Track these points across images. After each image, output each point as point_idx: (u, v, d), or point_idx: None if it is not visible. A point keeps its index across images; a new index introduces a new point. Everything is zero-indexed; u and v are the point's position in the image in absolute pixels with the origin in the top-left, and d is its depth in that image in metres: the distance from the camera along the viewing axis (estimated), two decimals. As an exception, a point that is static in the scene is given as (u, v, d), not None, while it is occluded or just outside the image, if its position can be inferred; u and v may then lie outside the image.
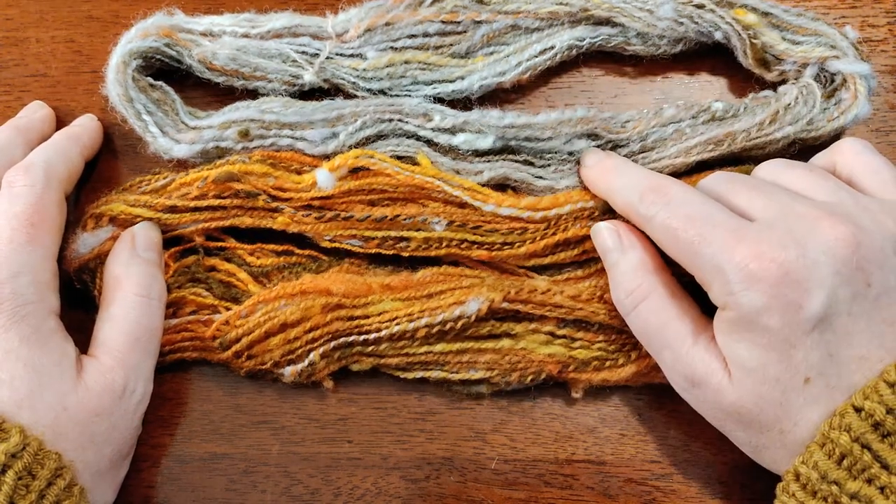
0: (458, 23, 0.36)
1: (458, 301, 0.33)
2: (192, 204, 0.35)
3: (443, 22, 0.36)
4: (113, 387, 0.32)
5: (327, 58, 0.36)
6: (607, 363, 0.33)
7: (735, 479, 0.34)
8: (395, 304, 0.33)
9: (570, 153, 0.35)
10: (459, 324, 0.33)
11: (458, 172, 0.35)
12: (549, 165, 0.35)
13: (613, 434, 0.35)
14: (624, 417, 0.35)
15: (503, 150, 0.36)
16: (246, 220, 0.35)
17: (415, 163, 0.35)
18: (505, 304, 0.33)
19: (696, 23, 0.35)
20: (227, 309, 0.35)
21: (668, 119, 0.35)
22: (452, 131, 0.35)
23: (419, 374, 0.34)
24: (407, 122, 0.35)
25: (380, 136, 0.36)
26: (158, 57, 0.37)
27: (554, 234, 0.34)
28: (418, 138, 0.35)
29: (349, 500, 0.35)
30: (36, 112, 0.38)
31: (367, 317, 0.33)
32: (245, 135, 0.35)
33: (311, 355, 0.34)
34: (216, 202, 0.35)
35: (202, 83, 0.38)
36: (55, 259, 0.33)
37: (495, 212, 0.34)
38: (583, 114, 0.35)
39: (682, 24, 0.35)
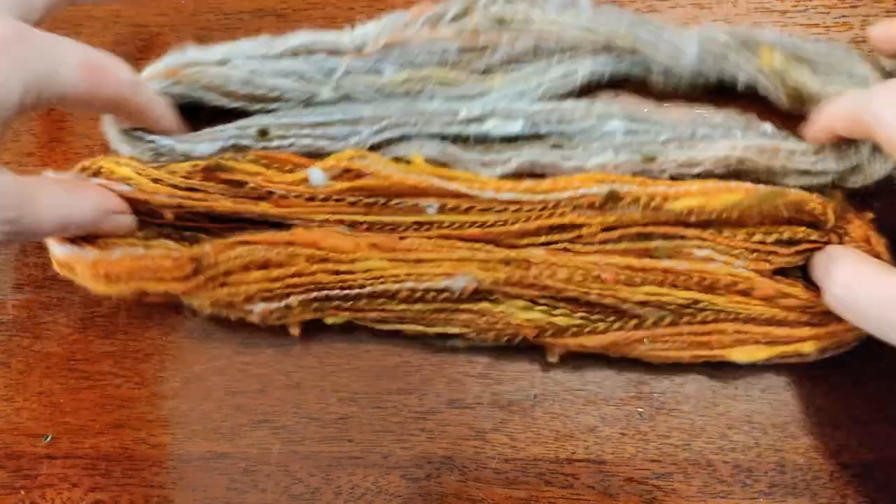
0: (479, 43, 0.36)
1: (446, 273, 0.33)
2: (176, 181, 0.34)
3: (462, 42, 0.36)
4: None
5: (345, 73, 0.36)
6: (586, 329, 0.33)
7: (736, 479, 0.34)
8: (382, 264, 0.33)
9: (604, 133, 0.35)
10: (443, 295, 0.33)
11: (486, 165, 0.34)
12: (578, 146, 0.35)
13: (614, 433, 0.35)
14: (624, 416, 0.35)
15: (532, 137, 0.35)
16: (226, 203, 0.34)
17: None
18: (492, 286, 0.33)
19: (721, 63, 0.34)
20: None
21: (718, 122, 0.35)
22: (481, 119, 0.35)
23: (395, 327, 0.34)
24: (432, 122, 0.35)
25: (403, 138, 0.35)
26: (171, 95, 0.36)
27: (549, 216, 0.33)
28: (443, 138, 0.35)
29: (350, 500, 0.35)
30: None
31: (353, 273, 0.33)
32: (264, 134, 0.35)
33: (290, 298, 0.33)
34: (200, 184, 0.34)
35: (215, 117, 0.37)
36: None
37: (494, 197, 0.33)
38: (617, 109, 0.35)
39: (705, 62, 0.34)
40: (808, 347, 0.32)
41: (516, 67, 0.36)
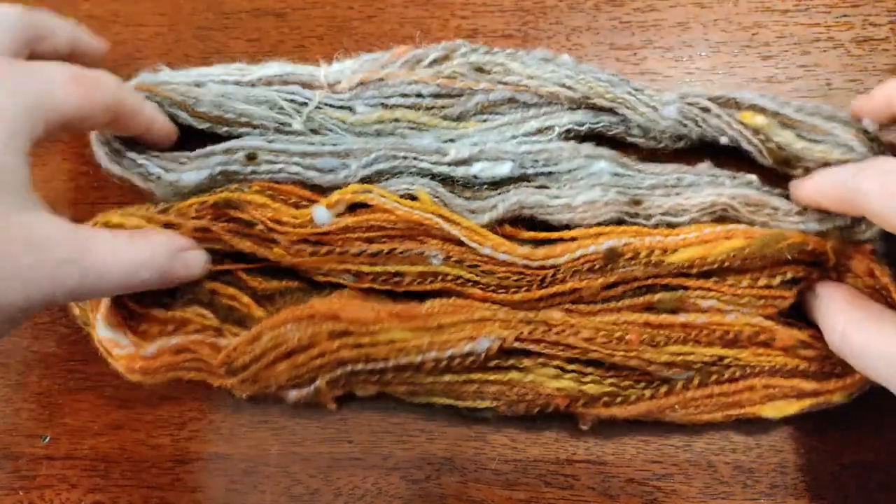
0: (454, 88, 0.36)
1: (469, 337, 0.32)
2: (190, 224, 0.34)
3: (438, 85, 0.35)
4: (55, 252, 0.28)
5: (316, 107, 0.35)
6: (618, 399, 0.33)
7: (737, 480, 0.34)
8: (404, 335, 0.32)
9: (591, 174, 0.34)
10: (468, 360, 0.32)
11: (473, 212, 0.34)
12: (565, 185, 0.34)
13: (614, 434, 0.35)
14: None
15: (519, 179, 0.35)
16: (245, 244, 0.34)
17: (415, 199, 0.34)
18: (516, 344, 0.32)
19: (701, 126, 0.34)
20: (231, 332, 0.34)
21: (703, 169, 0.35)
22: (469, 162, 0.34)
23: (425, 400, 0.34)
24: (421, 159, 0.34)
25: (393, 174, 0.35)
26: None
27: (550, 285, 0.33)
28: (433, 176, 0.34)
29: (350, 501, 0.35)
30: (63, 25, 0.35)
31: (375, 345, 0.32)
32: (253, 158, 0.34)
33: (318, 381, 0.33)
34: (213, 224, 0.34)
35: (184, 142, 0.36)
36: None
37: (492, 255, 0.33)
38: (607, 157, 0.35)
39: (685, 125, 0.34)
40: (838, 397, 0.32)
41: (490, 118, 0.36)
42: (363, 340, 0.32)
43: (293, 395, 0.34)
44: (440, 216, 0.33)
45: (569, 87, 0.35)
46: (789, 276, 0.33)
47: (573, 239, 0.33)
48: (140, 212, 0.35)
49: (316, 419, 0.36)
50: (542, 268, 0.33)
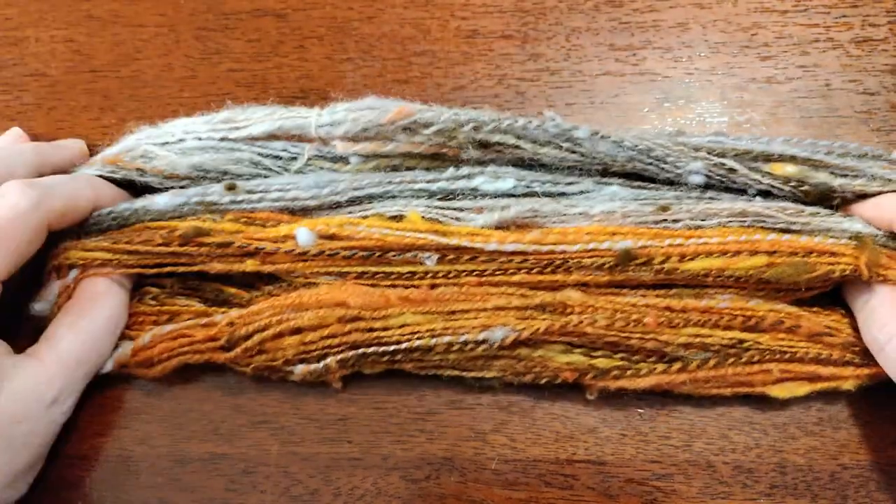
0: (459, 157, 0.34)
1: (484, 325, 0.32)
2: (156, 249, 0.34)
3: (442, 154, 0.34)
4: (44, 397, 0.31)
5: (307, 162, 0.35)
6: (628, 372, 0.33)
7: (736, 480, 0.34)
8: (416, 318, 0.32)
9: (604, 194, 0.34)
10: (481, 348, 0.32)
11: (479, 212, 0.33)
12: (578, 193, 0.34)
13: (614, 434, 0.35)
14: (625, 417, 0.35)
15: (527, 194, 0.34)
16: (215, 266, 0.34)
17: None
18: (531, 337, 0.32)
19: (729, 184, 0.33)
20: (222, 312, 0.34)
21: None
22: (470, 176, 0.34)
23: (432, 373, 0.34)
24: (417, 180, 0.34)
25: (385, 195, 0.34)
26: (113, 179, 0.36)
27: (554, 271, 0.32)
28: (431, 195, 0.34)
29: (349, 501, 0.35)
30: (69, 146, 0.37)
31: (387, 329, 0.32)
32: (232, 188, 0.34)
33: (328, 360, 0.33)
34: (181, 249, 0.33)
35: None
36: (0, 280, 0.31)
37: (499, 248, 0.32)
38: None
39: (713, 185, 0.33)
40: (848, 385, 0.33)
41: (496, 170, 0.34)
42: (375, 325, 0.32)
43: (300, 369, 0.33)
44: (434, 232, 0.32)
45: (586, 164, 0.34)
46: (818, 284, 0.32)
47: (588, 233, 0.32)
48: (103, 244, 0.34)
49: (316, 419, 0.36)
50: (552, 253, 0.32)
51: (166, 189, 0.35)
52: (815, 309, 0.33)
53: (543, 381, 0.33)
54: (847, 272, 0.31)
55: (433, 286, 0.33)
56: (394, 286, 0.34)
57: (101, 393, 0.37)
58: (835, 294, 0.34)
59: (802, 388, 0.33)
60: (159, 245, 0.33)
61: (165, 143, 0.35)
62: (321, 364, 0.33)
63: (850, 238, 0.32)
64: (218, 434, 0.36)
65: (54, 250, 0.35)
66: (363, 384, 0.36)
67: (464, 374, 0.34)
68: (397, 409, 0.36)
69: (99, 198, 0.35)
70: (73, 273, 0.34)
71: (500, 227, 0.33)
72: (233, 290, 0.35)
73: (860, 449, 0.34)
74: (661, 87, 0.38)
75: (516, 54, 0.39)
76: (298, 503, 0.35)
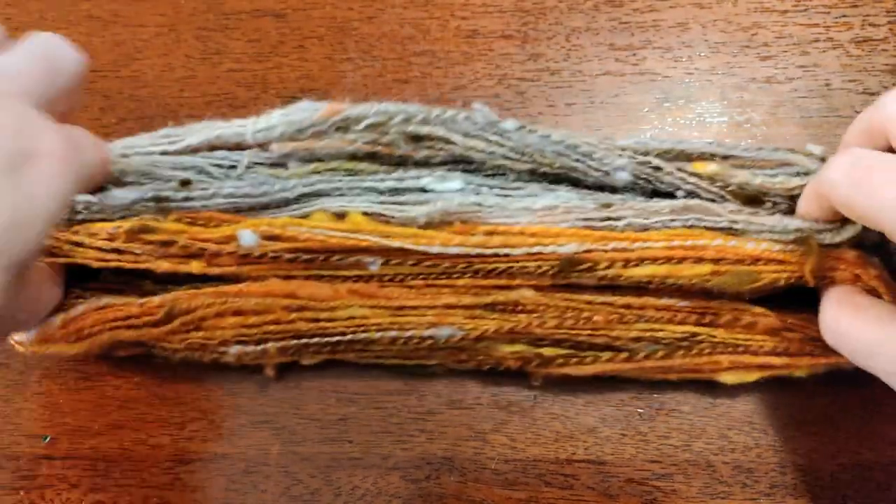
0: (393, 156, 0.34)
1: (432, 323, 0.32)
2: (100, 244, 0.33)
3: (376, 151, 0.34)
4: None
5: (246, 167, 0.35)
6: (573, 360, 0.33)
7: (736, 480, 0.34)
8: (364, 311, 0.32)
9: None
10: (426, 343, 0.32)
11: (422, 203, 0.33)
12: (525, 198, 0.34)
13: (614, 434, 0.35)
14: (624, 417, 0.35)
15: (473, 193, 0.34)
16: (162, 265, 0.33)
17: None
18: (479, 338, 0.32)
19: (655, 184, 0.33)
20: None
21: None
22: (418, 176, 0.34)
23: (373, 362, 0.34)
24: (366, 178, 0.34)
25: (335, 191, 0.34)
26: None
27: (499, 276, 0.32)
28: (380, 192, 0.34)
29: (349, 500, 0.35)
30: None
31: (333, 320, 0.32)
32: (186, 183, 0.34)
33: (268, 345, 0.32)
34: (126, 245, 0.33)
35: None
36: None
37: (442, 251, 0.32)
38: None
39: (639, 184, 0.33)
40: (801, 371, 0.32)
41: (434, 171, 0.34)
42: (321, 316, 0.32)
43: (236, 350, 0.33)
44: (377, 234, 0.32)
45: (515, 160, 0.33)
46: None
47: (533, 235, 0.32)
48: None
49: (316, 419, 0.36)
50: (496, 257, 0.32)
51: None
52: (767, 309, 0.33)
53: (486, 368, 0.33)
54: (793, 280, 0.31)
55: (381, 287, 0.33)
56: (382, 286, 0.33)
57: (101, 393, 0.37)
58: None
59: (752, 375, 0.32)
60: (103, 240, 0.33)
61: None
62: (259, 347, 0.32)
63: (793, 236, 0.31)
64: (218, 434, 0.36)
65: None
66: (362, 384, 0.36)
67: (405, 362, 0.34)
68: (397, 409, 0.36)
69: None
70: None
71: (444, 220, 0.33)
72: (173, 286, 0.34)
73: (860, 449, 0.34)
74: (661, 87, 0.38)
75: (516, 54, 0.39)
76: (299, 503, 0.35)
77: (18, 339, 0.35)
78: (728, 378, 0.33)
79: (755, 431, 0.34)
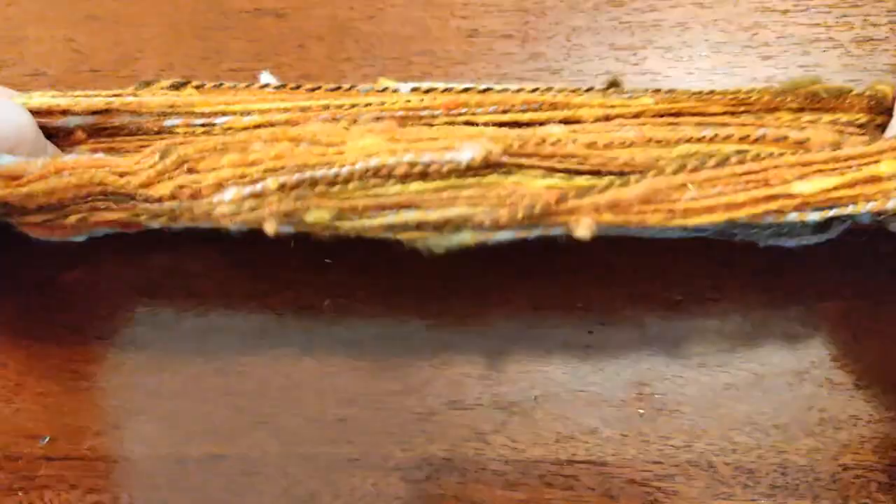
0: None
1: (450, 146, 0.27)
2: (85, 103, 0.31)
3: None
4: None
5: None
6: (617, 182, 0.27)
7: (737, 481, 0.34)
8: (376, 141, 0.28)
9: None
10: (446, 168, 0.27)
11: None
12: None
13: (615, 435, 0.34)
14: (625, 418, 0.35)
15: None
16: (159, 100, 0.31)
17: None
18: (505, 158, 0.28)
19: None
20: None
21: None
22: None
23: (388, 219, 0.28)
24: None
25: None
26: None
27: (542, 94, 0.30)
28: None
29: (349, 501, 0.35)
30: None
31: (342, 153, 0.28)
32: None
33: (268, 181, 0.27)
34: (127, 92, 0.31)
35: None
36: None
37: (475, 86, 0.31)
38: None
39: None
40: (886, 167, 0.27)
41: None
42: (331, 149, 0.28)
43: (231, 193, 0.27)
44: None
45: None
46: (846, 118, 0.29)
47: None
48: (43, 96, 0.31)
49: (316, 419, 0.36)
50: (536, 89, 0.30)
51: None
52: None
53: (521, 214, 0.27)
54: (876, 94, 0.29)
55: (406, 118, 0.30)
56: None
57: (100, 393, 0.37)
58: None
59: (830, 180, 0.27)
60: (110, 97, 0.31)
61: None
62: (259, 186, 0.27)
63: None
64: (217, 434, 0.36)
65: None
66: (362, 384, 0.36)
67: (425, 216, 0.27)
68: (397, 409, 0.35)
69: (22, 140, 0.30)
70: None
71: None
72: None
73: (861, 449, 0.34)
74: (662, 87, 0.38)
75: (517, 53, 0.39)
76: (298, 504, 0.35)
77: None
78: (804, 187, 0.27)
79: (756, 432, 0.34)
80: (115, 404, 0.37)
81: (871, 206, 0.27)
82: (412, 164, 0.27)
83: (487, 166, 0.27)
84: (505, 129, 0.29)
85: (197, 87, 0.33)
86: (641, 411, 0.35)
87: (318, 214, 0.28)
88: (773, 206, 0.27)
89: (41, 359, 0.38)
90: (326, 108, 0.32)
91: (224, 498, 0.35)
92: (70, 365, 0.37)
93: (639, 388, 0.35)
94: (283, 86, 0.34)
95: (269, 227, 0.28)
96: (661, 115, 0.30)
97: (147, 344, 0.37)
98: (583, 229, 0.27)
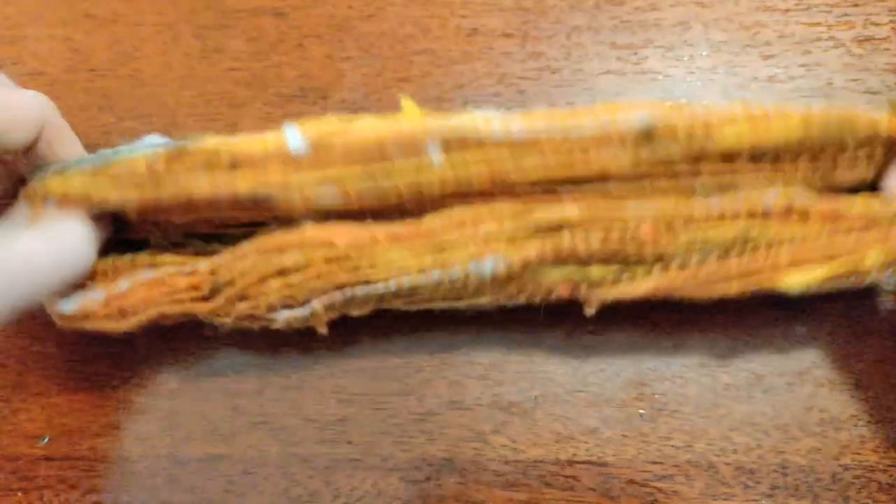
0: None
1: (474, 256, 0.30)
2: (139, 178, 0.30)
3: None
4: None
5: None
6: (625, 276, 0.31)
7: (738, 481, 0.34)
8: (403, 254, 0.30)
9: None
10: (471, 279, 0.30)
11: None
12: None
13: (615, 435, 0.34)
14: (626, 418, 0.35)
15: None
16: (203, 185, 0.30)
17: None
18: (522, 267, 0.30)
19: None
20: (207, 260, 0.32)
21: None
22: None
23: (423, 307, 0.32)
24: None
25: None
26: None
27: (569, 153, 0.30)
28: None
29: (349, 502, 0.35)
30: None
31: (374, 266, 0.31)
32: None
33: (314, 303, 0.31)
34: (167, 173, 0.30)
35: None
36: None
37: (506, 132, 0.29)
38: None
39: None
40: (872, 258, 0.29)
41: None
42: (362, 263, 0.31)
43: (284, 315, 0.32)
44: (433, 120, 0.30)
45: None
46: (861, 154, 0.30)
47: (603, 109, 0.30)
48: (80, 173, 0.31)
49: (315, 420, 0.36)
50: (566, 139, 0.30)
51: None
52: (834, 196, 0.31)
53: (537, 299, 0.31)
54: (887, 137, 0.29)
55: (440, 195, 0.31)
56: (398, 206, 0.31)
57: (100, 393, 0.37)
58: None
59: (818, 272, 0.30)
60: (143, 172, 0.30)
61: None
62: (306, 308, 0.31)
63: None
64: (217, 434, 0.36)
65: (30, 182, 0.31)
66: (361, 383, 0.36)
67: (456, 304, 0.32)
68: (397, 409, 0.35)
69: (47, 119, 0.31)
70: (51, 205, 0.31)
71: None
72: (219, 245, 0.33)
73: (862, 449, 0.34)
74: (663, 86, 0.38)
75: (517, 53, 0.39)
76: (298, 504, 0.35)
77: (60, 310, 0.32)
78: (793, 280, 0.30)
79: (757, 432, 0.34)
80: (116, 404, 0.37)
81: None
82: (441, 280, 0.31)
83: (508, 271, 0.30)
84: (521, 217, 0.31)
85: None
86: (641, 411, 0.35)
87: (360, 312, 0.33)
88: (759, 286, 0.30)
89: (41, 359, 0.38)
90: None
91: (224, 498, 0.35)
92: (70, 365, 0.37)
93: (639, 388, 0.35)
94: None
95: (322, 330, 0.33)
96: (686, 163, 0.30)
97: (147, 343, 0.37)
98: (590, 309, 0.32)
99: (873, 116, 0.29)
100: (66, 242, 0.31)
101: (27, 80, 0.39)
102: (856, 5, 0.37)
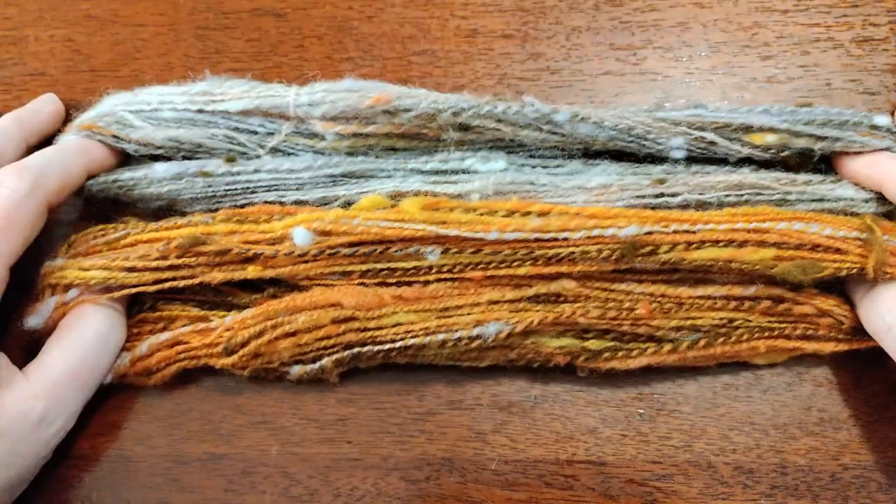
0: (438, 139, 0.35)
1: (478, 321, 0.32)
2: (154, 264, 0.33)
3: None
4: (29, 415, 0.31)
5: (285, 136, 0.35)
6: (619, 353, 0.33)
7: (737, 481, 0.34)
8: (410, 317, 0.33)
9: (595, 173, 0.35)
10: (475, 343, 0.32)
11: (474, 179, 0.34)
12: (568, 175, 0.35)
13: (615, 435, 0.35)
14: (625, 418, 0.35)
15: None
16: (216, 276, 0.33)
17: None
18: (524, 331, 0.33)
19: (710, 153, 0.34)
20: (220, 316, 0.35)
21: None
22: (462, 159, 0.34)
23: (427, 362, 0.34)
24: (409, 161, 0.35)
25: (380, 172, 0.34)
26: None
27: (559, 262, 0.32)
28: (423, 173, 0.34)
29: (349, 501, 0.35)
30: (45, 107, 0.37)
31: (381, 328, 0.33)
32: (231, 160, 0.34)
33: (324, 360, 0.33)
34: (180, 261, 0.33)
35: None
36: (8, 266, 0.32)
37: (500, 238, 0.32)
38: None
39: (694, 157, 0.34)
40: (826, 351, 0.34)
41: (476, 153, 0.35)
42: (369, 325, 0.33)
43: (296, 370, 0.34)
44: (434, 223, 0.32)
45: (566, 144, 0.34)
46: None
47: (592, 217, 0.32)
48: (98, 261, 0.34)
49: (315, 419, 0.36)
50: (555, 241, 0.32)
51: (141, 155, 0.36)
52: (812, 291, 0.34)
53: (536, 365, 0.34)
54: (854, 271, 0.32)
55: (436, 280, 0.33)
56: (398, 283, 0.33)
57: (100, 393, 0.37)
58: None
59: (782, 357, 0.34)
60: (157, 259, 0.33)
61: (140, 111, 0.35)
62: (317, 365, 0.33)
63: (841, 206, 0.33)
64: (217, 434, 0.36)
65: (48, 267, 0.34)
66: (362, 384, 0.36)
67: (458, 363, 0.34)
68: (397, 409, 0.35)
69: (91, 162, 0.35)
70: (72, 293, 0.34)
71: (498, 193, 0.33)
72: (233, 294, 0.35)
73: (861, 449, 0.34)
74: (662, 87, 0.38)
75: (516, 53, 0.39)
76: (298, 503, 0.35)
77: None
78: (761, 360, 0.34)
79: (756, 432, 0.34)
80: (116, 404, 0.37)
81: None
82: (445, 342, 0.32)
83: (509, 337, 0.32)
84: (521, 287, 0.33)
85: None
86: (641, 411, 0.35)
87: (367, 365, 0.34)
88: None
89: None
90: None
91: (224, 498, 0.35)
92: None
93: (638, 388, 0.35)
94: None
95: (333, 379, 0.35)
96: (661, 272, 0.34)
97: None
98: (582, 373, 0.34)
99: (838, 262, 0.32)
100: (112, 334, 0.34)
101: (28, 80, 0.39)
102: (854, 6, 0.38)
